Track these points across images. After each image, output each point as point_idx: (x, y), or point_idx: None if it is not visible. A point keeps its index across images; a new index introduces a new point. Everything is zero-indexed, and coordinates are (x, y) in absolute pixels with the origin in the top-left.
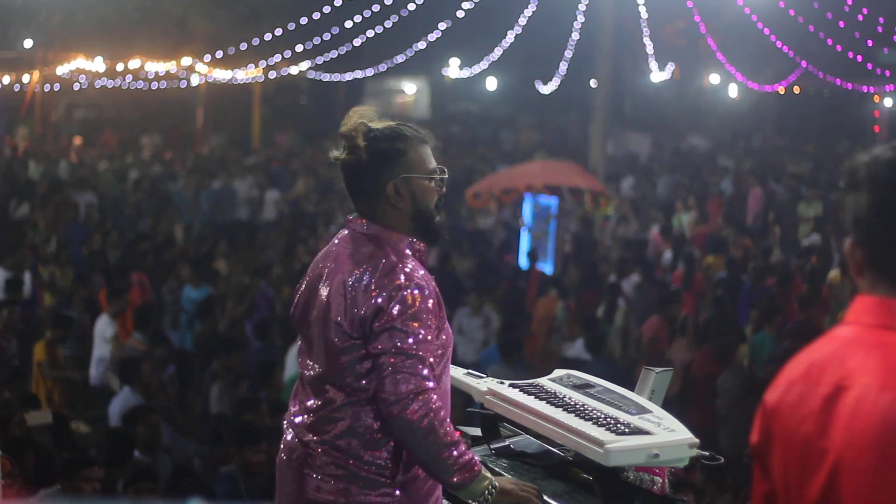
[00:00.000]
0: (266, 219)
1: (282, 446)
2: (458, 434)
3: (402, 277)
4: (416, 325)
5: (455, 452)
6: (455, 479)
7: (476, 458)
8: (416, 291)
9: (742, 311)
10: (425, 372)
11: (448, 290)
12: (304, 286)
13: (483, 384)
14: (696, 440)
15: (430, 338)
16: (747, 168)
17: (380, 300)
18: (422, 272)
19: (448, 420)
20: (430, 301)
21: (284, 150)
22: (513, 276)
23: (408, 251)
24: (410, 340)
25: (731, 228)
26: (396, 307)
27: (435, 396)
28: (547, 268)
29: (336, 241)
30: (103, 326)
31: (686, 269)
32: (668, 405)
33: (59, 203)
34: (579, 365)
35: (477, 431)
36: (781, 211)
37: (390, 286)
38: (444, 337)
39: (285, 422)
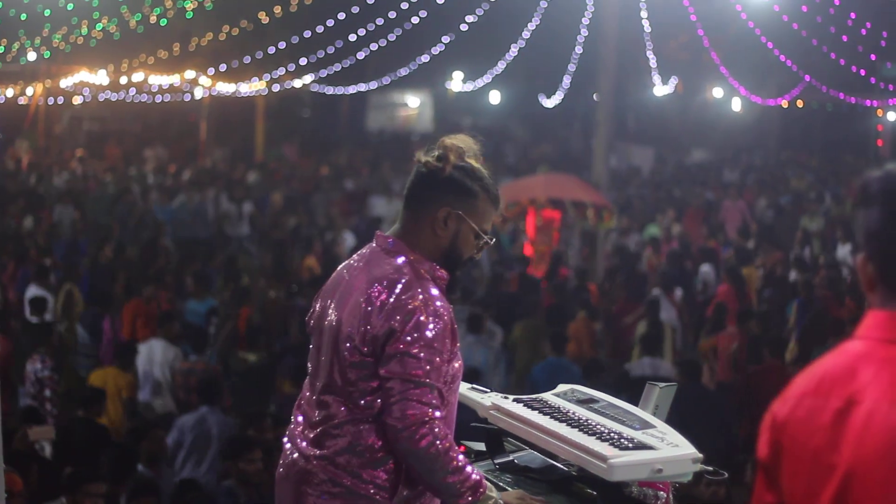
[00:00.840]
0: (241, 233)
1: (281, 460)
2: (463, 458)
3: (419, 300)
4: (428, 352)
5: (461, 477)
6: (462, 502)
7: (482, 477)
8: (431, 317)
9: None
10: (434, 401)
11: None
12: (320, 297)
13: (487, 399)
14: (700, 455)
15: (441, 364)
16: (750, 182)
17: (394, 322)
18: (440, 300)
19: (454, 446)
20: (445, 329)
21: (290, 162)
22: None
23: (427, 274)
24: (424, 368)
25: (764, 242)
26: (410, 332)
27: (442, 424)
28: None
29: (360, 255)
30: (163, 351)
31: (733, 284)
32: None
33: (38, 218)
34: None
35: (481, 446)
36: (782, 224)
37: (406, 308)
38: (455, 365)
39: (287, 435)
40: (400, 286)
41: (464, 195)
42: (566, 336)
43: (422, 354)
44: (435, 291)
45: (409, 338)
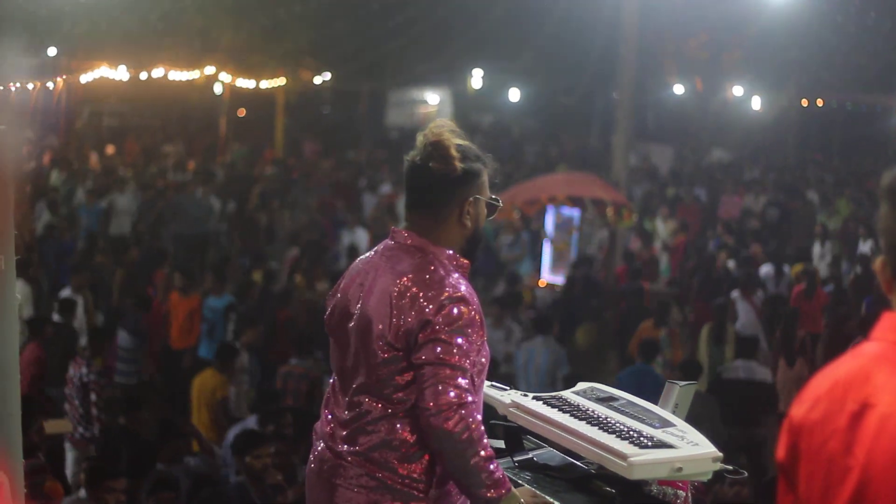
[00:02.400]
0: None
1: (311, 456)
2: (492, 450)
3: (450, 289)
4: (460, 337)
5: (491, 467)
6: (487, 494)
7: (506, 477)
8: (462, 304)
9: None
10: (466, 384)
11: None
12: (339, 294)
13: (507, 396)
14: (720, 454)
15: (472, 351)
16: (770, 181)
17: (427, 312)
18: (467, 289)
19: (485, 435)
20: (476, 315)
21: (308, 160)
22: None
23: (450, 264)
24: (455, 352)
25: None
26: (442, 319)
27: (475, 409)
28: (558, 279)
29: (377, 251)
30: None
31: (809, 285)
32: None
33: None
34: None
35: (500, 444)
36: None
37: (438, 298)
38: (482, 360)
39: (315, 432)
40: (429, 277)
41: (475, 180)
42: (657, 344)
43: (455, 340)
44: (462, 281)
45: (441, 326)
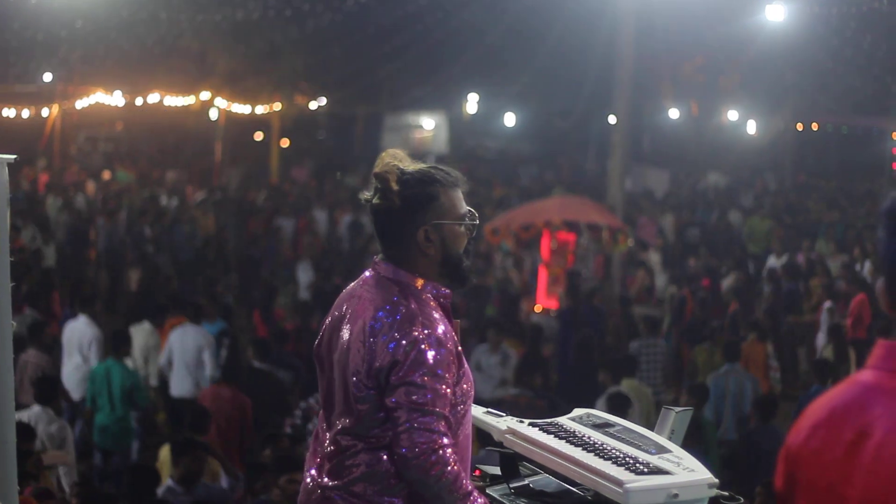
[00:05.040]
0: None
1: (301, 489)
2: (471, 484)
3: (421, 329)
4: (432, 380)
5: (469, 503)
6: None
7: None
8: (434, 344)
9: None
10: (441, 428)
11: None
12: (328, 322)
13: (503, 423)
14: (716, 480)
15: (446, 392)
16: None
17: (398, 353)
18: (442, 325)
19: (463, 473)
20: (449, 355)
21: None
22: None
23: (430, 298)
24: (428, 396)
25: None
26: (413, 361)
27: (450, 451)
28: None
29: (360, 282)
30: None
31: (870, 294)
32: None
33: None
34: None
35: (496, 470)
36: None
37: (408, 338)
38: (464, 386)
39: (305, 464)
40: (401, 316)
41: (426, 205)
42: (739, 346)
43: (426, 383)
44: (437, 316)
45: (412, 367)
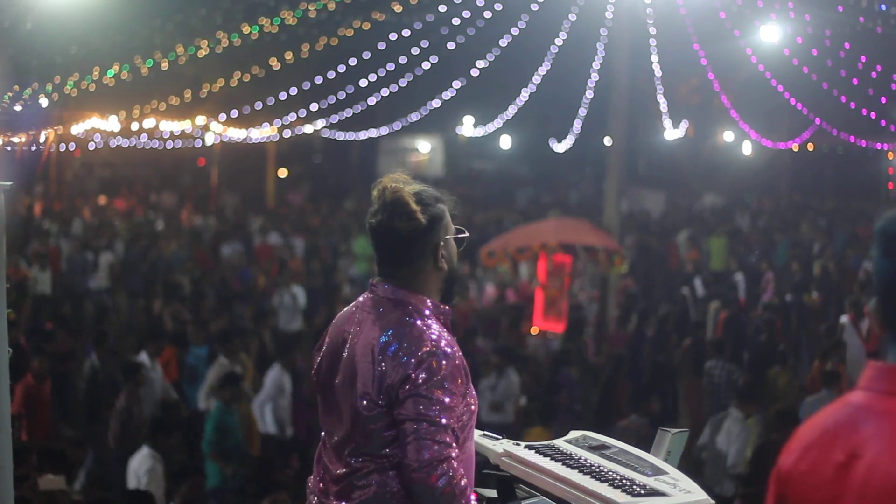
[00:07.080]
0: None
1: None
2: (475, 501)
3: (430, 344)
4: (440, 392)
5: None
6: None
7: None
8: (442, 358)
9: None
10: (448, 440)
11: None
12: (325, 349)
13: (499, 445)
14: (713, 501)
15: (454, 405)
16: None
17: (408, 368)
18: (448, 337)
19: (469, 488)
20: (456, 367)
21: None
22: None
23: (433, 315)
24: (435, 408)
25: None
26: (423, 374)
27: (457, 464)
28: (559, 326)
29: (358, 305)
30: None
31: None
32: None
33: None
34: None
35: (493, 493)
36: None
37: (418, 353)
38: (470, 401)
39: (308, 486)
40: (409, 334)
41: (440, 222)
42: (838, 373)
43: (434, 395)
44: (443, 332)
45: (421, 380)
